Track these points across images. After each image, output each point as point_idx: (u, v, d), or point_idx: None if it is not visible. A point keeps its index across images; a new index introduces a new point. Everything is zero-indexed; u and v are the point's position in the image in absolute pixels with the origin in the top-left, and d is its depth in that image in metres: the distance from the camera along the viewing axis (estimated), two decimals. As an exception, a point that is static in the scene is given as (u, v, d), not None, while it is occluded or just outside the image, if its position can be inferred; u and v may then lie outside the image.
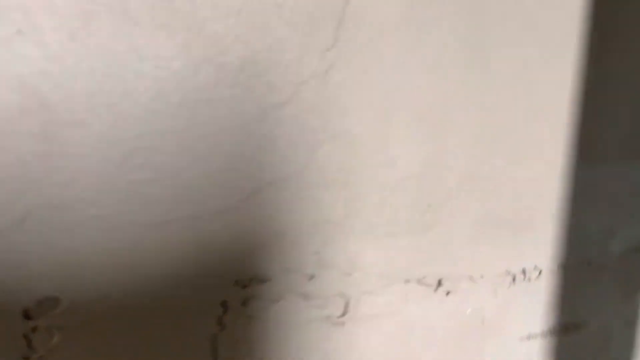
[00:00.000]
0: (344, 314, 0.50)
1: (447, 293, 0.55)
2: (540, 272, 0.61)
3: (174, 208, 0.41)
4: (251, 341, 0.47)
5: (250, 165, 0.43)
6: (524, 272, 0.60)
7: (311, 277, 0.48)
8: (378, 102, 0.47)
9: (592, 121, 0.58)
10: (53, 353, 0.40)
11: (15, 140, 0.36)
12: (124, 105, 0.38)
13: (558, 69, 0.55)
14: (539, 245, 0.60)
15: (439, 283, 0.55)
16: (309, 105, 0.44)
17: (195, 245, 0.43)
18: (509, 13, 0.51)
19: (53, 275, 0.39)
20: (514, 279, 0.59)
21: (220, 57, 0.41)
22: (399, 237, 0.51)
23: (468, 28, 0.49)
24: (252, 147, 0.43)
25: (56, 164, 0.37)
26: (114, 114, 0.38)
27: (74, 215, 0.38)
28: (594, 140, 0.59)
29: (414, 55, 0.47)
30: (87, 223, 0.39)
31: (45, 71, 0.36)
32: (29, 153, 0.37)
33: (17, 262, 0.37)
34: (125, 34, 0.38)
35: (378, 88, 0.47)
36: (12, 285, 0.38)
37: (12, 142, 0.36)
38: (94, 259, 0.40)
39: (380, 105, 0.47)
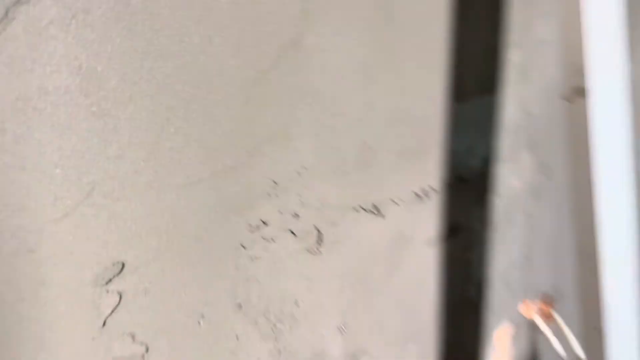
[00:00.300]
0: (319, 244, 0.63)
1: (381, 215, 0.71)
2: (432, 190, 0.81)
3: (201, 168, 0.49)
4: (258, 278, 0.57)
5: (251, 124, 0.52)
6: (423, 191, 0.79)
7: (296, 215, 0.59)
8: (334, 62, 0.59)
9: (458, 71, 0.78)
10: (116, 314, 0.45)
11: (78, 120, 0.40)
12: (159, 79, 0.44)
13: (435, 35, 0.73)
14: (431, 169, 0.80)
15: (376, 208, 0.70)
16: (289, 68, 0.55)
17: (218, 199, 0.51)
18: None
19: (117, 242, 0.43)
20: (418, 198, 0.78)
21: (227, 29, 0.48)
22: (349, 175, 0.65)
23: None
24: (252, 108, 0.52)
25: (109, 139, 0.42)
26: (153, 87, 0.44)
27: (129, 184, 0.43)
28: (460, 83, 0.80)
29: (353, 22, 0.60)
30: (140, 191, 0.44)
31: (98, 52, 0.40)
32: (88, 130, 0.41)
33: (88, 234, 0.42)
34: (156, 14, 0.43)
35: (334, 51, 0.59)
36: (85, 256, 0.42)
37: (75, 122, 0.40)
38: (148, 222, 0.45)
39: (335, 65, 0.59)
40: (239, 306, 0.55)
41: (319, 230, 0.62)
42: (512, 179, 0.99)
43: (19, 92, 0.36)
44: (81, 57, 0.39)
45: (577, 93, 0.64)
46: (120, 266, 0.44)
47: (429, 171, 0.78)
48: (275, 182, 0.56)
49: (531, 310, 1.16)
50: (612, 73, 0.67)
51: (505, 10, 0.86)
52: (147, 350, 0.47)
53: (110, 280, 0.43)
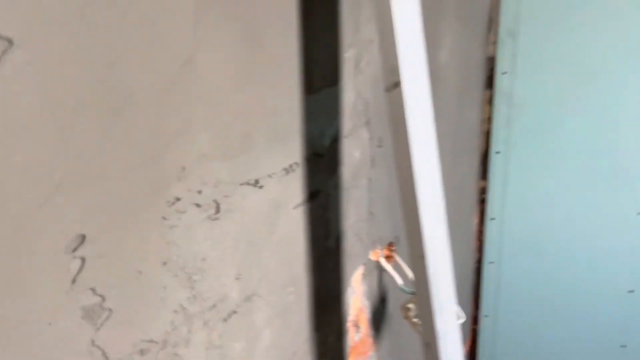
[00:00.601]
0: (217, 213, 0.82)
1: (261, 187, 0.92)
2: (297, 165, 1.03)
3: (133, 160, 0.65)
4: (176, 242, 0.74)
5: (165, 124, 0.69)
6: (290, 166, 1.01)
7: (200, 192, 0.77)
8: (219, 72, 0.77)
9: (308, 70, 1.01)
10: (81, 274, 0.60)
11: (49, 131, 0.54)
12: (101, 96, 0.60)
13: (289, 43, 0.94)
14: (294, 149, 1.01)
15: (257, 182, 0.90)
16: (188, 78, 0.72)
17: (145, 183, 0.67)
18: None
19: (79, 220, 0.59)
20: (286, 172, 0.99)
21: (145, 54, 0.65)
22: (236, 158, 0.84)
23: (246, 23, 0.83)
24: (165, 112, 0.69)
25: (70, 143, 0.57)
26: (98, 103, 0.59)
27: (84, 177, 0.59)
28: (310, 79, 1.02)
29: (228, 41, 0.79)
30: (92, 181, 0.60)
31: (59, 81, 0.55)
32: (56, 139, 0.55)
33: (60, 214, 0.57)
34: (93, 50, 0.58)
35: (218, 63, 0.77)
36: (59, 231, 0.57)
37: (48, 133, 0.54)
38: (99, 204, 0.61)
39: (220, 74, 0.78)
40: (165, 263, 0.72)
41: (217, 202, 0.81)
42: (354, 151, 1.25)
43: (12, 115, 0.50)
44: (48, 86, 0.54)
45: (393, 85, 0.89)
46: (82, 238, 0.59)
47: (293, 150, 1.00)
48: (183, 168, 0.73)
49: (377, 255, 1.45)
50: (417, 71, 0.93)
51: (340, 18, 1.10)
52: (103, 299, 0.63)
53: (75, 248, 0.59)
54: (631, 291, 2.45)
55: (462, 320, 1.46)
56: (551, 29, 2.31)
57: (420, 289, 1.05)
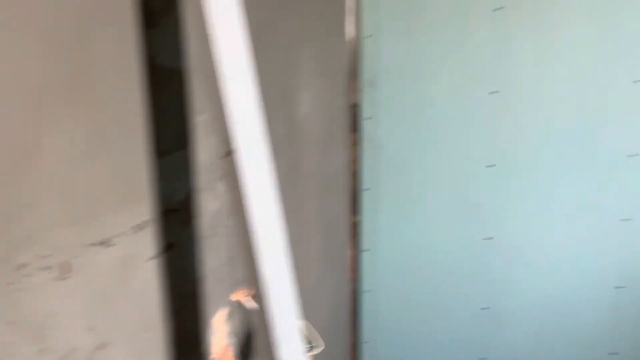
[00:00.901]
0: (66, 273, 0.93)
1: (113, 246, 1.04)
2: (150, 221, 1.15)
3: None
4: (24, 302, 0.84)
5: (8, 201, 0.80)
6: (143, 223, 1.13)
7: (48, 256, 0.88)
8: (64, 150, 0.89)
9: (157, 136, 1.15)
10: None
11: None
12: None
13: (136, 118, 1.08)
14: (146, 208, 1.14)
15: (107, 241, 1.02)
16: (38, 161, 0.84)
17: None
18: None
19: None
20: (139, 229, 1.12)
21: (-14, 146, 0.76)
22: (85, 221, 0.96)
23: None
24: (12, 190, 0.80)
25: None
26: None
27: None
28: (160, 144, 1.16)
29: (71, 120, 0.91)
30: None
31: None
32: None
33: None
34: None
35: (61, 143, 0.89)
36: None
37: None
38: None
39: (66, 151, 0.90)
40: (12, 323, 0.82)
41: (65, 263, 0.92)
42: (211, 203, 1.40)
43: None
44: None
45: (228, 153, 1.05)
46: None
47: (144, 209, 1.13)
48: (29, 237, 0.84)
49: (241, 295, 1.60)
50: (250, 137, 1.10)
51: (190, 87, 1.25)
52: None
53: None
54: (485, 308, 2.76)
55: (320, 349, 1.64)
56: (406, 79, 2.62)
57: (263, 325, 1.20)
